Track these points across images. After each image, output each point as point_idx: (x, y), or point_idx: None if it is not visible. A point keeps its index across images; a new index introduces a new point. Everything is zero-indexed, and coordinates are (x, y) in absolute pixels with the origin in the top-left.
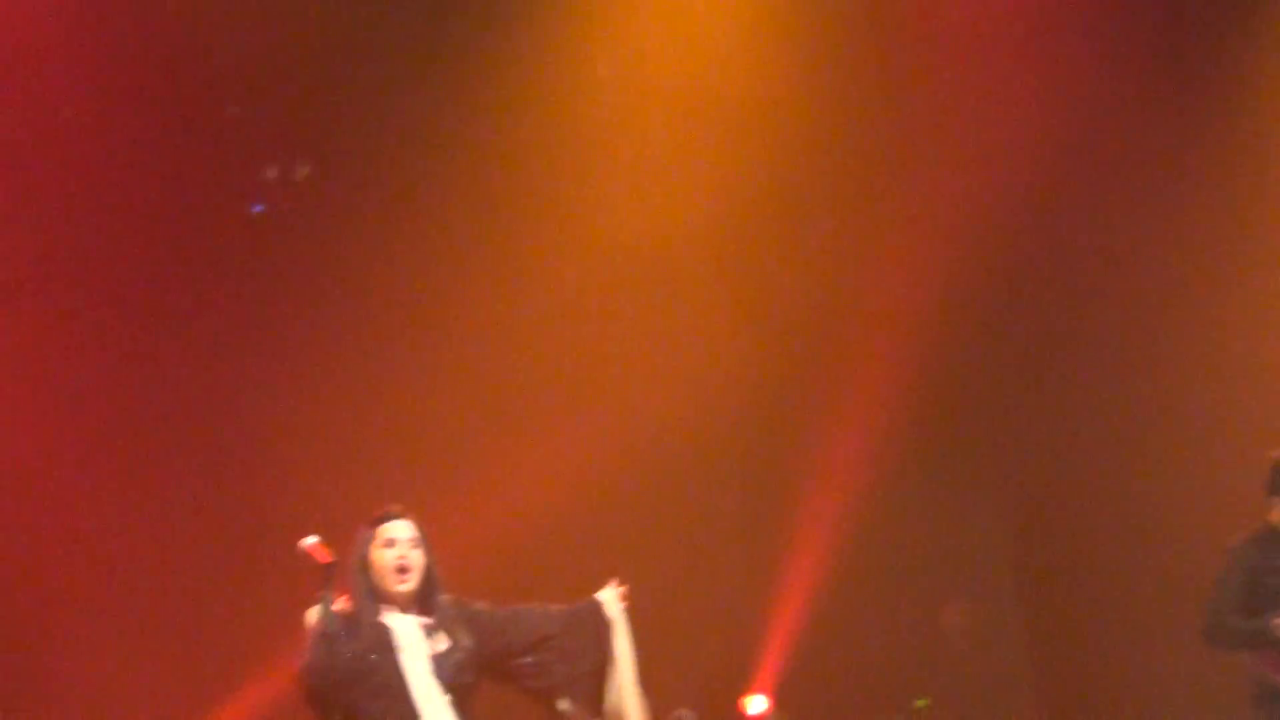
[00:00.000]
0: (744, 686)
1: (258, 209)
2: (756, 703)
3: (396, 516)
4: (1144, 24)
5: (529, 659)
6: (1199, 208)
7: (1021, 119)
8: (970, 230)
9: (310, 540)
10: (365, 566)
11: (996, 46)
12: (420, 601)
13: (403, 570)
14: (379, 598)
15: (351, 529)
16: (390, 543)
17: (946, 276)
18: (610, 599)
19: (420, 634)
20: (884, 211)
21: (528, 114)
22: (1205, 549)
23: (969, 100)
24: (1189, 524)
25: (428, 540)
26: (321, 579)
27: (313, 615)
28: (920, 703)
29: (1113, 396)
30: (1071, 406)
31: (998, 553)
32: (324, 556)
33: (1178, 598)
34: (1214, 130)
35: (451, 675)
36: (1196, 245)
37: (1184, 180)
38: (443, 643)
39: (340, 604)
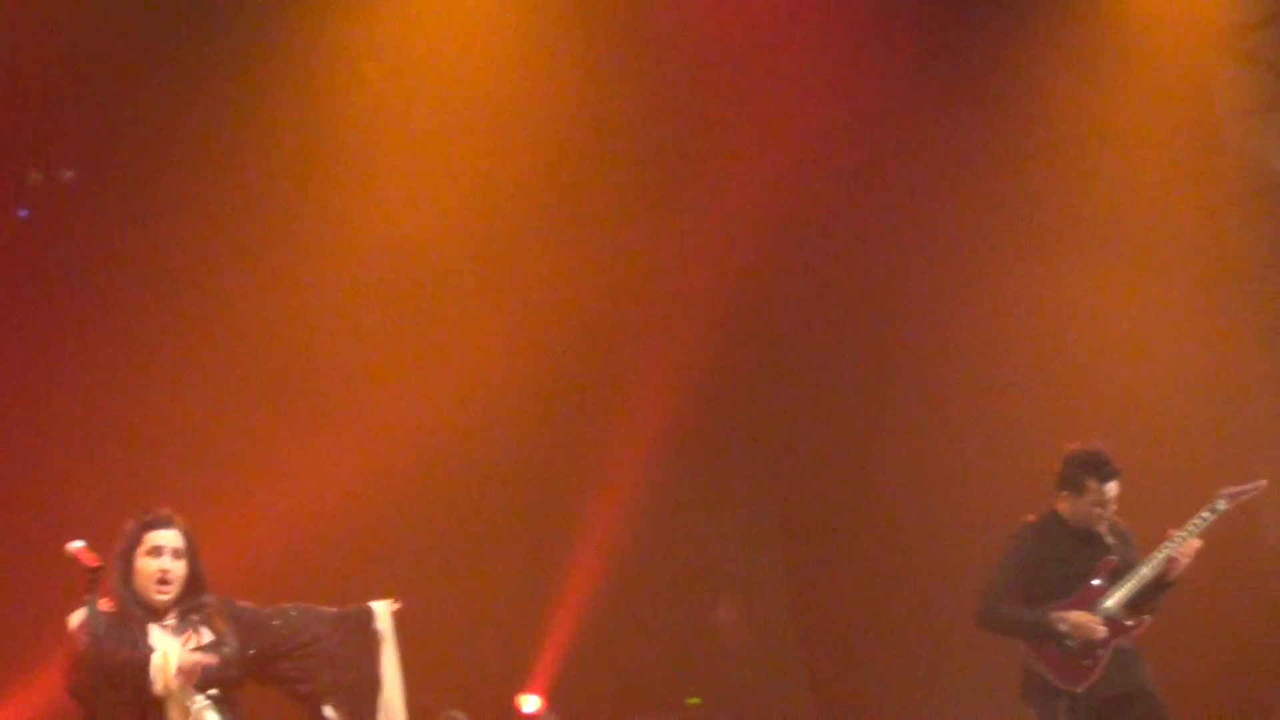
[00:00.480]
0: (518, 686)
1: (23, 214)
2: (530, 702)
3: (165, 524)
4: (912, 28)
5: (293, 660)
6: (966, 207)
7: (789, 125)
8: (738, 235)
9: (77, 544)
10: (128, 570)
11: (766, 53)
12: (181, 606)
13: (164, 582)
14: (140, 601)
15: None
16: (156, 551)
17: (716, 281)
18: (382, 611)
19: (176, 635)
20: (654, 217)
21: (296, 115)
22: (969, 540)
23: (739, 106)
24: (953, 517)
25: (194, 546)
26: (88, 582)
27: (77, 618)
28: (692, 700)
29: (876, 395)
30: (835, 406)
31: (767, 550)
32: (90, 560)
33: (944, 588)
34: (983, 130)
35: (211, 673)
36: (963, 246)
37: (949, 180)
38: (198, 640)
39: (105, 605)
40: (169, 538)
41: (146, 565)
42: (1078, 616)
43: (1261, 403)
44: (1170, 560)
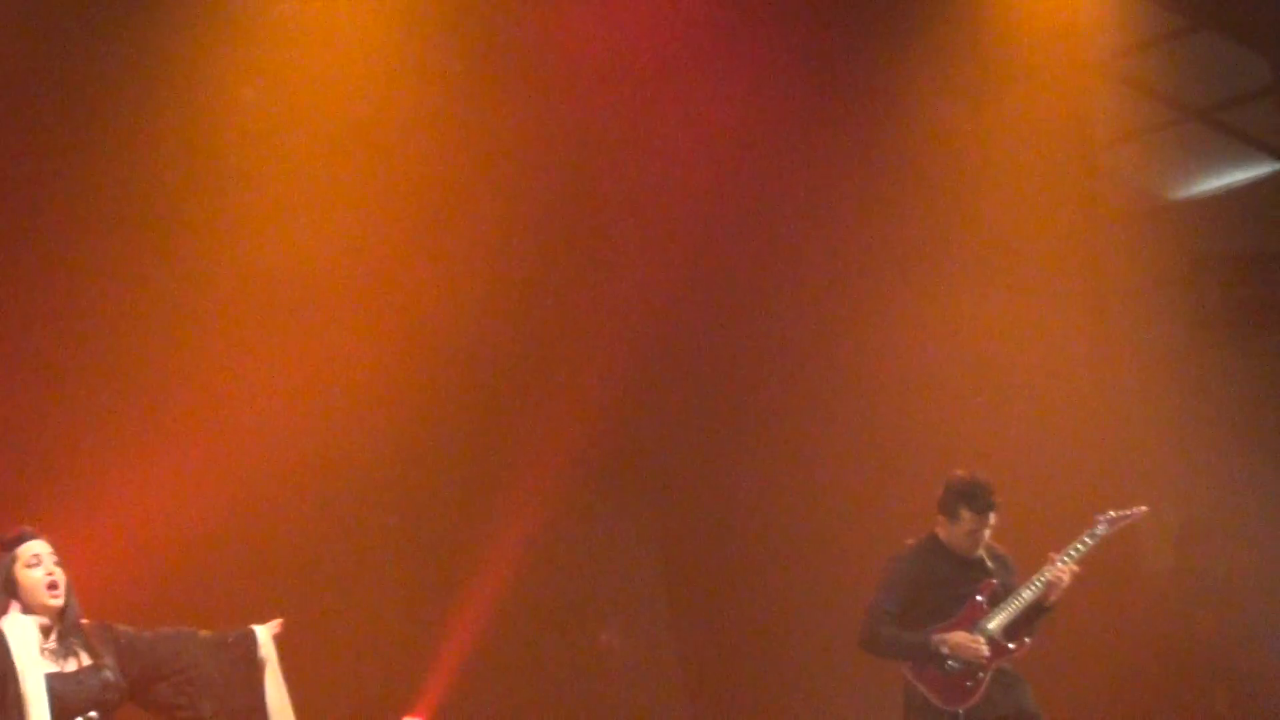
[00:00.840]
0: (401, 709)
1: None
2: None
3: (32, 536)
4: (788, 50)
5: (172, 684)
6: (840, 229)
7: (663, 150)
8: (621, 259)
9: None
10: (12, 588)
11: (650, 71)
12: (64, 619)
13: (53, 586)
14: (34, 612)
15: None
16: (35, 560)
17: (596, 307)
18: (265, 637)
19: (56, 660)
20: (536, 241)
21: (170, 134)
22: (848, 560)
23: (624, 129)
24: (832, 537)
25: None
26: None
27: None
28: None
29: (752, 417)
30: (713, 428)
31: (648, 574)
32: None
33: (823, 608)
34: (859, 151)
35: (91, 696)
36: (838, 267)
37: (823, 202)
38: (79, 663)
39: None
40: (42, 546)
41: (31, 576)
42: (959, 637)
43: (1140, 427)
44: (1049, 584)
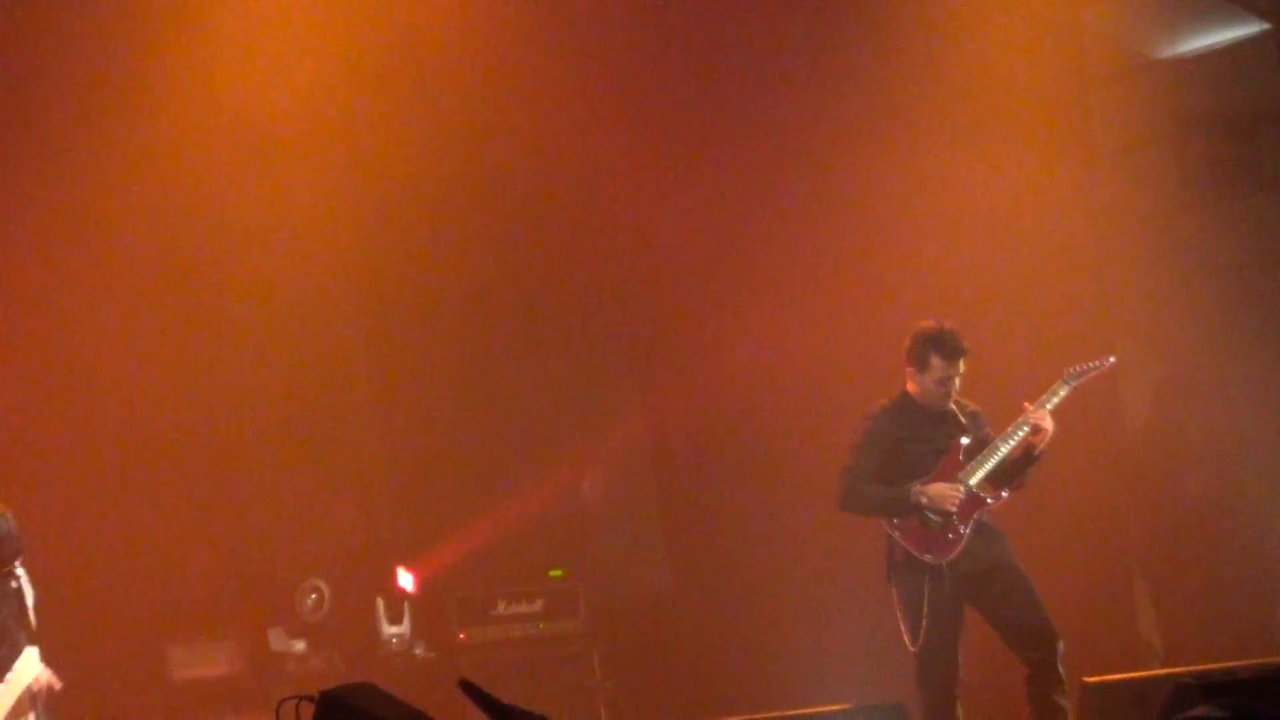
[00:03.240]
0: (381, 559)
1: None
2: (404, 578)
3: None
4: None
5: None
6: (829, 79)
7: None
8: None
9: None
10: None
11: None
12: None
13: None
14: None
15: None
16: None
17: (587, 153)
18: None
19: None
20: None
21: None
22: (829, 413)
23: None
24: (815, 391)
25: None
26: None
27: None
28: (554, 573)
29: (736, 270)
30: (697, 277)
31: (632, 425)
32: None
33: (802, 461)
34: (853, 13)
35: None
36: (830, 116)
37: (811, 54)
38: None
39: None
40: None
41: None
42: (939, 488)
43: (1122, 285)
44: (1034, 430)
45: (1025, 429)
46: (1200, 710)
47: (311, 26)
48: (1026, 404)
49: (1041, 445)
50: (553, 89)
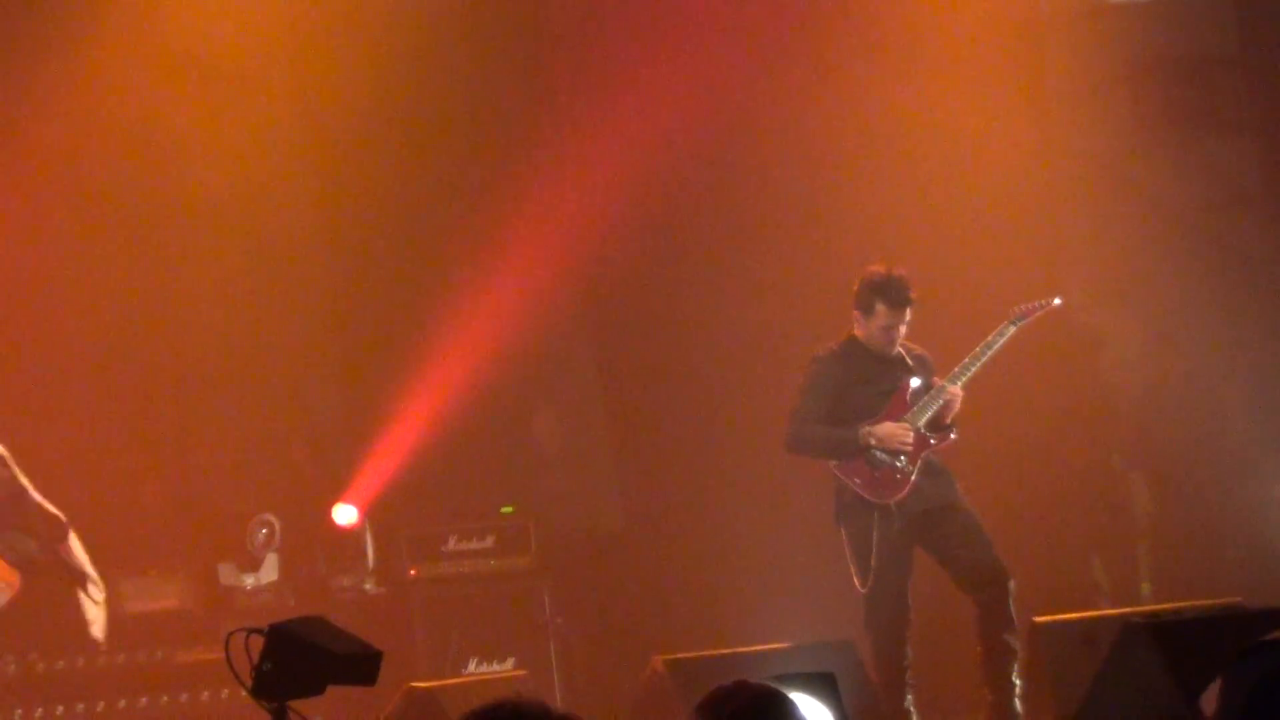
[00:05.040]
0: (333, 495)
1: None
2: (345, 512)
3: None
4: None
5: None
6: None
7: None
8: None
9: None
10: None
11: None
12: None
13: None
14: None
15: None
16: None
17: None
18: None
19: None
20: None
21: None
22: (782, 351)
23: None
24: (768, 329)
25: None
26: None
27: None
28: (505, 509)
29: (695, 208)
30: (656, 225)
31: (586, 366)
32: None
33: (754, 401)
34: None
35: None
36: (793, 67)
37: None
38: None
39: None
40: None
41: None
42: (887, 427)
43: (1075, 228)
44: (945, 403)
45: (970, 371)
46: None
47: None
48: (936, 380)
49: (950, 417)
50: (517, 37)
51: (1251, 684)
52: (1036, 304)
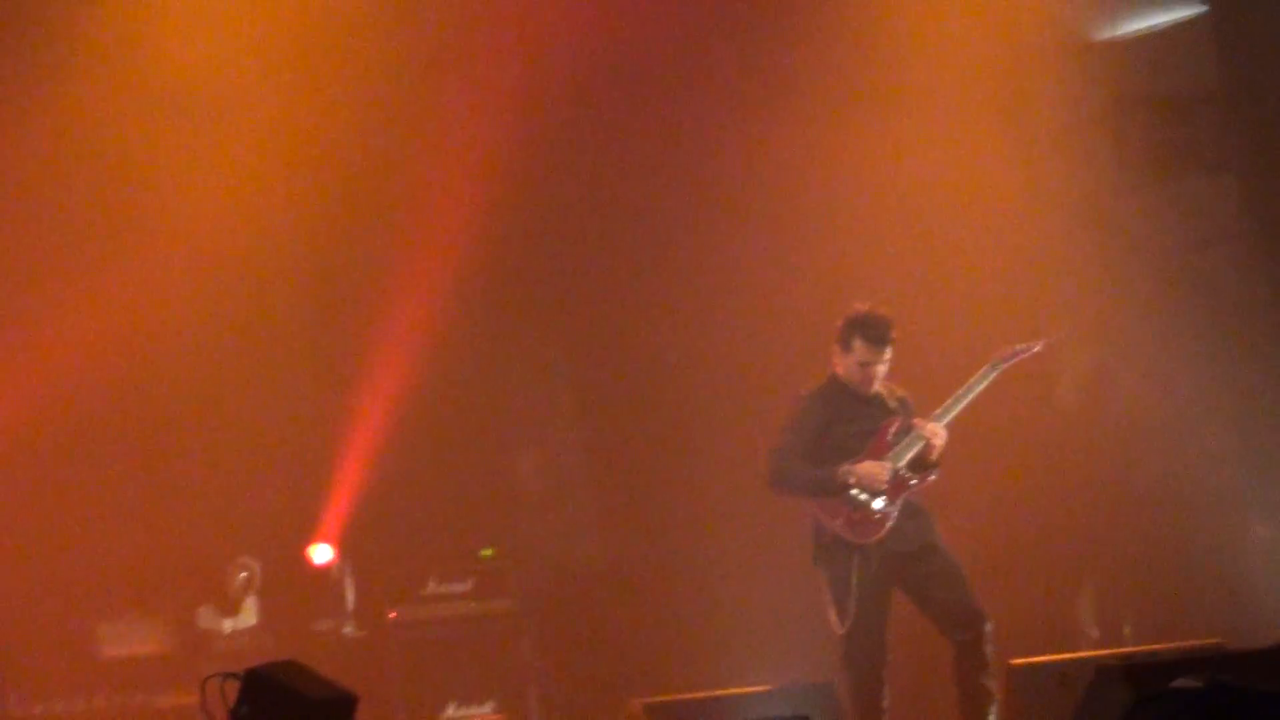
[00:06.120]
0: (310, 535)
1: None
2: (321, 552)
3: None
4: None
5: None
6: (774, 64)
7: None
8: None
9: None
10: None
11: None
12: None
13: None
14: None
15: None
16: None
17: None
18: None
19: None
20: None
21: None
22: (759, 388)
23: None
24: (742, 369)
25: None
26: None
27: None
28: (485, 552)
29: (667, 243)
30: (626, 250)
31: (564, 402)
32: None
33: (735, 441)
34: None
35: None
36: (769, 103)
37: (751, 37)
38: None
39: None
40: None
41: None
42: (866, 467)
43: (1057, 267)
44: (926, 445)
45: (951, 414)
46: (1179, 682)
47: None
48: (916, 421)
49: (935, 456)
50: (480, 60)
51: None
52: (1019, 348)
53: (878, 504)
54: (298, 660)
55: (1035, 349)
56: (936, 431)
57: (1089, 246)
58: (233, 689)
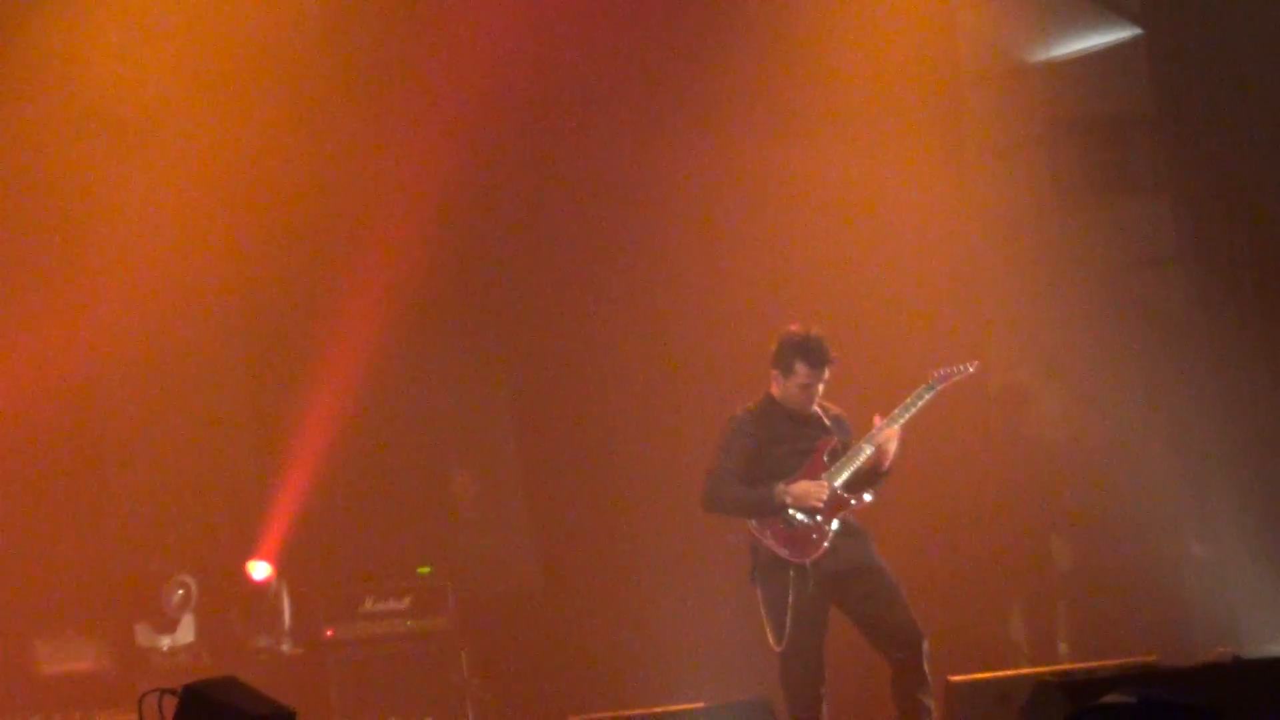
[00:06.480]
0: (247, 553)
1: None
2: (259, 568)
3: None
4: None
5: None
6: (707, 83)
7: None
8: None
9: None
10: None
11: None
12: None
13: None
14: None
15: None
16: None
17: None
18: None
19: None
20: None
21: None
22: (692, 413)
23: None
24: (676, 394)
25: None
26: None
27: None
28: (422, 569)
29: (603, 270)
30: (566, 279)
31: (501, 423)
32: None
33: (666, 460)
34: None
35: None
36: (703, 122)
37: (688, 53)
38: None
39: None
40: None
41: None
42: (802, 486)
43: (992, 289)
44: (879, 449)
45: (877, 440)
46: (1110, 697)
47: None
48: (877, 417)
49: (887, 463)
50: (416, 79)
51: None
52: (955, 369)
53: (814, 523)
54: (236, 677)
55: (970, 370)
56: (892, 436)
57: (1024, 266)
58: (171, 705)
